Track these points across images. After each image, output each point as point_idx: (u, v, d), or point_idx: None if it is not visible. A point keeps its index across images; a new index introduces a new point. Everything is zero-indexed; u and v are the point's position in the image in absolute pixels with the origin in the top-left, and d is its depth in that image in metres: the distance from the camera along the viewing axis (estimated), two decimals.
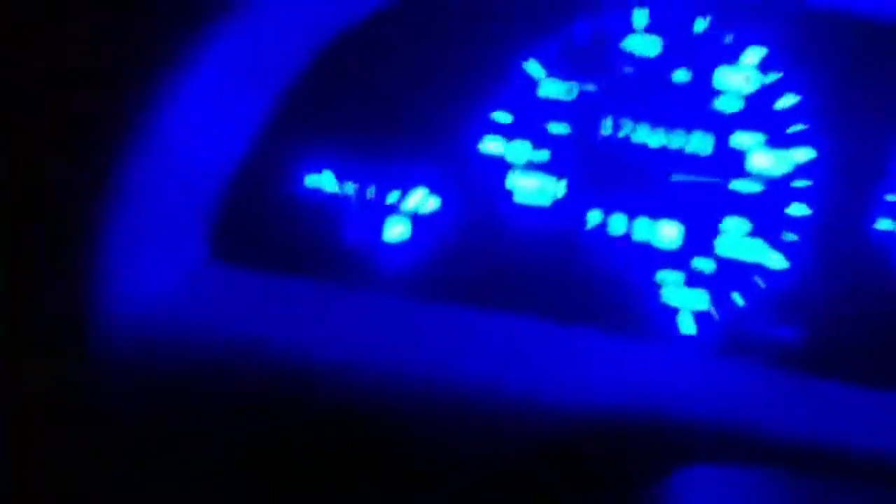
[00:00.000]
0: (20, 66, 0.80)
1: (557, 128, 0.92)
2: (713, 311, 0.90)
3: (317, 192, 0.94)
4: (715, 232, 0.90)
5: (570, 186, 0.92)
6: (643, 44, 0.91)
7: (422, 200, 0.93)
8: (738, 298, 0.89)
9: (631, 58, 0.91)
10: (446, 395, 0.82)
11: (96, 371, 0.83)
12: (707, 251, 0.90)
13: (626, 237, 0.91)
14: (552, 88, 0.92)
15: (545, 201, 0.92)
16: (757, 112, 0.89)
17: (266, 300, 0.89)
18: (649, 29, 0.91)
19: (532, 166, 0.92)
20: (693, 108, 0.90)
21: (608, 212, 0.91)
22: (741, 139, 0.89)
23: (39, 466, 0.84)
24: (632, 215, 0.91)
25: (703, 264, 0.90)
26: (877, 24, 0.87)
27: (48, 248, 0.81)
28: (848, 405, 0.82)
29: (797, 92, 0.89)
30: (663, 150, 0.90)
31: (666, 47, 0.91)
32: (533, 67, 0.92)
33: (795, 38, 0.89)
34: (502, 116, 0.92)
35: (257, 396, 0.84)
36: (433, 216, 0.93)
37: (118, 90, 0.80)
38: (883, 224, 0.88)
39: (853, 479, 0.78)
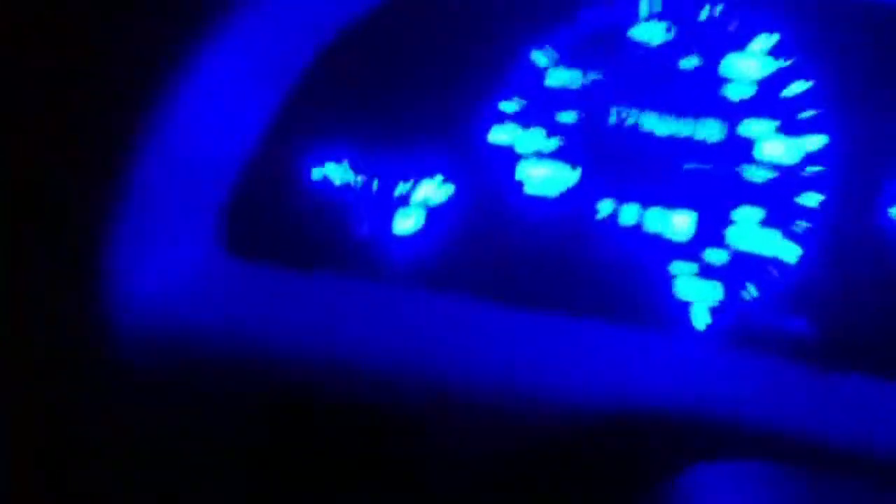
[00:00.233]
0: (20, 65, 0.80)
1: (566, 117, 0.91)
2: (726, 303, 0.89)
3: (326, 185, 0.94)
4: (727, 222, 0.89)
5: (580, 176, 0.91)
6: (651, 31, 0.90)
7: (432, 191, 0.93)
8: (751, 289, 0.88)
9: (638, 46, 0.90)
10: (457, 387, 0.82)
11: (106, 370, 0.83)
12: (719, 242, 0.89)
13: (638, 227, 0.90)
14: (560, 77, 0.91)
15: (555, 191, 0.91)
16: (767, 99, 0.88)
17: (276, 294, 0.89)
18: (657, 16, 0.90)
19: (542, 156, 0.92)
20: (702, 95, 0.89)
21: (619, 202, 0.90)
22: (751, 127, 0.88)
23: (41, 467, 0.84)
24: (643, 205, 0.90)
25: (716, 255, 0.89)
26: (887, 8, 0.86)
27: (53, 246, 0.81)
28: (862, 397, 0.82)
29: (808, 78, 0.88)
30: (672, 139, 0.89)
31: (674, 35, 0.90)
32: (540, 56, 0.91)
33: (805, 23, 0.88)
34: (510, 106, 0.92)
35: (268, 391, 0.85)
36: (443, 207, 0.93)
37: (122, 90, 0.80)
38: None
39: (867, 473, 0.77)
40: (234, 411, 0.85)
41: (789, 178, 0.88)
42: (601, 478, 0.82)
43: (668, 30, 0.90)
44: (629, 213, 0.90)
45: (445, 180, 0.93)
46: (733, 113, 0.89)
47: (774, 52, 0.88)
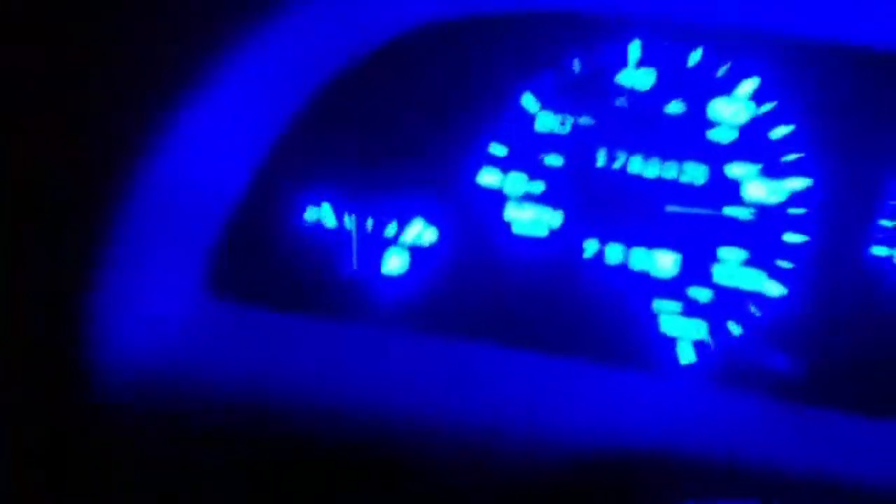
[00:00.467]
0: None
1: (553, 160, 0.93)
2: (711, 341, 0.90)
3: (316, 226, 0.94)
4: (711, 260, 0.90)
5: (566, 217, 0.92)
6: (637, 77, 0.92)
7: (420, 233, 0.94)
8: (736, 327, 0.89)
9: (625, 90, 0.92)
10: (444, 428, 0.82)
11: (95, 412, 0.83)
12: (704, 280, 0.90)
13: (623, 266, 0.91)
14: (548, 121, 0.93)
15: (542, 232, 0.92)
16: (751, 142, 0.90)
17: (264, 336, 0.90)
18: (643, 62, 0.92)
19: (528, 198, 0.93)
20: (687, 139, 0.91)
21: (604, 241, 0.91)
22: (736, 169, 0.90)
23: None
24: (628, 245, 0.91)
25: (700, 293, 0.90)
26: (869, 53, 0.88)
27: (46, 285, 0.81)
28: (847, 434, 0.82)
29: (791, 121, 0.89)
30: (658, 181, 0.91)
31: (660, 80, 0.92)
32: (529, 101, 0.93)
33: (788, 68, 0.90)
34: (499, 149, 0.93)
35: (257, 432, 0.84)
36: (431, 248, 0.94)
37: (111, 133, 0.80)
38: (878, 250, 0.88)
39: None
40: (221, 454, 0.85)
41: (773, 219, 0.89)
42: None
43: (655, 75, 0.92)
44: (614, 253, 0.91)
45: (434, 221, 0.94)
46: (718, 156, 0.90)
47: (757, 96, 0.90)
